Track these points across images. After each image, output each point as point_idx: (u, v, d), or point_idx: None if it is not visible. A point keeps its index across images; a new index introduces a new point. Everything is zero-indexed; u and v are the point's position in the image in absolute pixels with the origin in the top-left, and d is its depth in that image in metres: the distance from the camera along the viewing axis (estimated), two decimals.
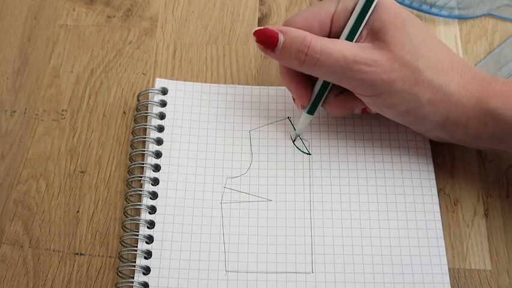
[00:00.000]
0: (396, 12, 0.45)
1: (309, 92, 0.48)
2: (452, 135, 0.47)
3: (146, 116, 0.52)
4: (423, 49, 0.44)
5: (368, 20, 0.44)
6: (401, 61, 0.44)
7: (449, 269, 0.46)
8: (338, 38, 0.45)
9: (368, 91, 0.45)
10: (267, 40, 0.45)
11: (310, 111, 0.49)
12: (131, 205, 0.48)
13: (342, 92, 0.47)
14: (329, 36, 0.46)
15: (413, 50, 0.44)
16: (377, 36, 0.44)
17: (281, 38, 0.45)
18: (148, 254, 0.46)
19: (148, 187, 0.48)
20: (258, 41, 0.45)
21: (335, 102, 0.48)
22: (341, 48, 0.44)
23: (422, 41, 0.44)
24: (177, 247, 0.46)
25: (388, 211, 0.48)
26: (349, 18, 0.45)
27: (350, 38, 0.45)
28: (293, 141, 0.51)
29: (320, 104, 0.48)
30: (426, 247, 0.46)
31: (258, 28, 0.45)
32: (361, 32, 0.45)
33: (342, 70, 0.44)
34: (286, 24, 0.46)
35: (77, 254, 0.47)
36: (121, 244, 0.47)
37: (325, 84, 0.47)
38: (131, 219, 0.47)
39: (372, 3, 0.44)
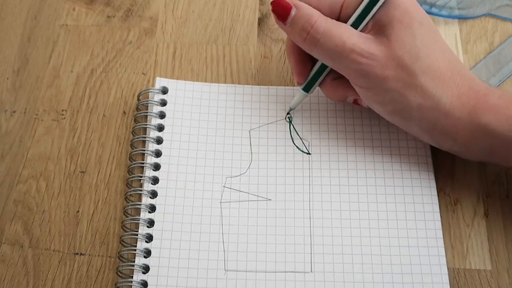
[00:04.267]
0: (407, 10, 0.44)
1: (307, 71, 0.48)
2: (440, 144, 0.47)
3: (146, 116, 0.52)
4: (425, 52, 0.44)
5: (376, 13, 0.44)
6: (397, 60, 0.44)
7: (449, 269, 0.46)
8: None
9: (361, 82, 0.45)
10: (280, 10, 0.46)
11: (306, 89, 0.49)
12: (131, 205, 0.48)
13: (339, 77, 0.48)
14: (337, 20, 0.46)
15: (413, 51, 0.44)
16: (381, 31, 0.44)
17: (293, 11, 0.45)
18: (147, 253, 0.46)
19: (147, 186, 0.48)
20: (273, 10, 0.46)
21: (331, 85, 0.48)
22: (343, 33, 0.44)
23: (426, 44, 0.44)
24: (176, 246, 0.46)
25: (387, 211, 0.48)
26: (358, 7, 0.45)
27: (354, 26, 0.45)
28: (289, 121, 0.51)
29: (317, 84, 0.49)
30: (426, 247, 0.46)
31: None
32: (367, 23, 0.45)
33: (339, 56, 0.44)
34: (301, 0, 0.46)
35: (77, 254, 0.47)
36: (121, 244, 0.47)
37: (323, 66, 0.47)
38: (131, 219, 0.47)
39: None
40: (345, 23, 0.45)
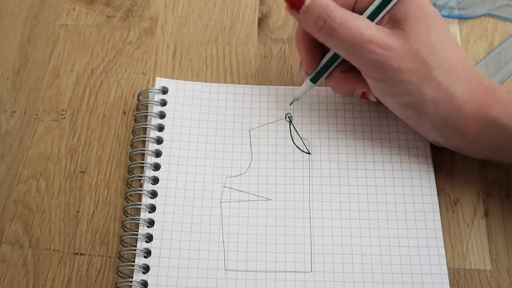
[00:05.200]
0: (422, 5, 0.45)
1: (316, 61, 0.48)
2: (448, 140, 0.47)
3: (146, 116, 0.52)
4: (439, 47, 0.44)
5: (392, 7, 0.45)
6: (414, 53, 0.44)
7: (449, 269, 0.46)
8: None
9: (375, 73, 0.45)
10: (294, 0, 0.45)
11: (313, 80, 0.49)
12: (131, 205, 0.48)
13: (348, 70, 0.48)
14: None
15: (429, 45, 0.44)
16: (397, 25, 0.45)
17: (307, 0, 0.45)
18: (147, 253, 0.46)
19: (147, 186, 0.48)
20: None
21: (339, 78, 0.49)
22: (360, 24, 0.44)
23: (440, 39, 0.45)
24: (176, 246, 0.46)
25: (387, 211, 0.48)
26: (374, 0, 0.45)
27: (370, 18, 0.45)
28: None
29: (324, 76, 0.49)
30: (426, 247, 0.46)
31: None
32: (383, 17, 0.45)
33: (355, 46, 0.44)
34: None
35: (77, 254, 0.47)
36: (121, 244, 0.47)
37: (334, 57, 0.47)
38: (131, 219, 0.47)
39: None
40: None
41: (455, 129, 0.46)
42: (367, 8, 0.45)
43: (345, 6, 0.46)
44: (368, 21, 0.45)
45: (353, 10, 0.46)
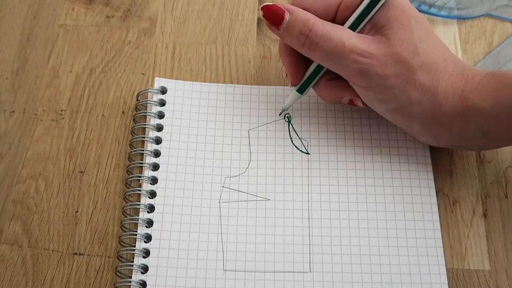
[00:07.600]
0: (404, 9, 0.45)
1: (302, 72, 0.48)
2: (439, 138, 0.47)
3: (145, 116, 0.52)
4: (422, 47, 0.45)
5: (374, 15, 0.45)
6: (396, 57, 0.44)
7: (447, 269, 0.46)
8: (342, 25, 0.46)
9: (361, 82, 0.45)
10: (273, 16, 0.46)
11: (300, 90, 0.49)
12: (130, 205, 0.48)
13: (334, 78, 0.48)
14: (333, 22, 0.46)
15: (411, 47, 0.44)
16: (379, 31, 0.45)
17: (287, 16, 0.45)
18: (146, 253, 0.46)
19: (146, 186, 0.48)
20: (264, 16, 0.46)
21: (326, 87, 0.49)
22: (341, 36, 0.44)
23: (422, 39, 0.45)
24: (175, 246, 0.46)
25: (386, 211, 0.48)
26: (355, 10, 0.45)
27: (353, 27, 0.45)
28: (284, 117, 0.51)
29: (311, 86, 0.49)
30: (424, 247, 0.46)
31: (267, 4, 0.46)
32: (365, 25, 0.45)
33: (338, 58, 0.44)
34: (293, 3, 0.46)
35: (76, 254, 0.47)
36: (120, 244, 0.47)
37: (318, 67, 0.47)
38: (130, 219, 0.47)
39: (379, 1, 0.44)
40: (341, 25, 0.46)
41: (441, 126, 0.46)
42: (348, 18, 0.45)
43: (325, 16, 0.46)
44: (349, 31, 0.45)
45: (334, 20, 0.46)
